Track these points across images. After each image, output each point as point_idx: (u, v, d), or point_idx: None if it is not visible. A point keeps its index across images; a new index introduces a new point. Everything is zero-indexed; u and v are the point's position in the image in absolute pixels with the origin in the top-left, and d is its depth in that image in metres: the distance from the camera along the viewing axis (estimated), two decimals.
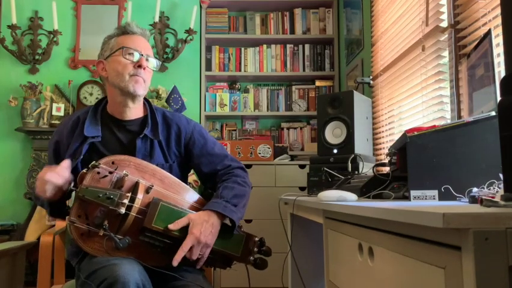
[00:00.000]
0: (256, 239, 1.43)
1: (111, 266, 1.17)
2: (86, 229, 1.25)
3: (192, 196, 1.42)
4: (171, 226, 1.28)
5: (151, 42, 3.79)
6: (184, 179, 1.53)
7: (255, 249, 1.42)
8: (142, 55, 1.44)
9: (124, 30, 1.48)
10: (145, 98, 1.56)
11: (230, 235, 1.39)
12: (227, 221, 1.39)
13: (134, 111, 1.49)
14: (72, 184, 1.30)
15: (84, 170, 1.30)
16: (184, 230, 1.30)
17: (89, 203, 1.25)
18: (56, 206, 1.39)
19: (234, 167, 1.52)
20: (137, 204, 1.27)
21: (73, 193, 1.40)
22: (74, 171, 1.35)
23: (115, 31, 1.50)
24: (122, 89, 1.43)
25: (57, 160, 1.45)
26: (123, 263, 1.19)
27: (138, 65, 1.42)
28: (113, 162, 1.32)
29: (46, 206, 1.40)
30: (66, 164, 1.29)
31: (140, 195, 1.28)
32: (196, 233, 1.28)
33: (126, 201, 1.25)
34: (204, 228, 1.30)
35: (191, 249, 1.29)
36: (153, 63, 1.49)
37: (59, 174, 1.26)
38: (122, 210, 1.23)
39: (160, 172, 1.38)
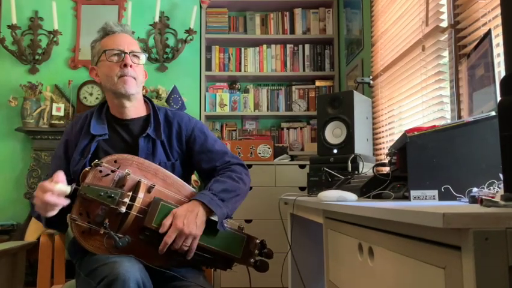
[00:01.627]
0: (258, 241, 1.42)
1: (111, 263, 1.17)
2: (87, 227, 1.25)
3: (193, 195, 1.42)
4: (161, 230, 1.27)
5: (150, 42, 3.77)
6: (187, 178, 1.53)
7: (256, 251, 1.41)
8: (125, 53, 1.43)
9: (105, 32, 1.49)
10: (147, 97, 1.57)
11: (231, 236, 1.38)
12: (215, 218, 1.36)
13: (134, 110, 1.50)
14: (73, 186, 1.28)
15: (86, 168, 1.31)
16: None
17: (90, 201, 1.25)
18: (54, 217, 1.31)
19: (232, 163, 1.51)
20: (138, 203, 1.27)
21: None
22: (83, 169, 1.34)
23: (97, 34, 1.50)
24: (114, 92, 1.44)
25: (67, 160, 1.47)
26: (123, 260, 1.19)
27: (123, 64, 1.42)
28: (115, 161, 1.33)
29: (42, 217, 1.34)
30: (60, 178, 1.23)
31: (141, 195, 1.28)
32: (179, 224, 1.26)
33: (127, 200, 1.25)
34: (187, 220, 1.27)
35: (175, 240, 1.27)
36: (140, 57, 1.48)
37: (56, 194, 1.20)
38: (123, 209, 1.24)
39: (162, 171, 1.38)
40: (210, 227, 1.34)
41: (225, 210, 1.36)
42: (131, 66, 1.42)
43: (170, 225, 1.27)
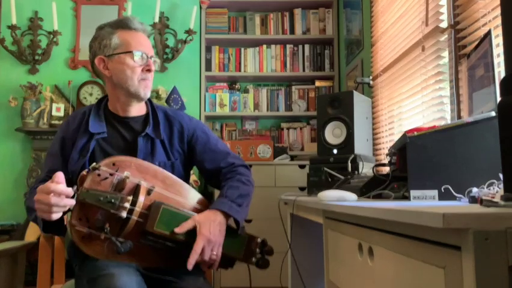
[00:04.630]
0: (259, 240, 1.42)
1: (110, 276, 1.16)
2: (87, 232, 1.23)
3: (193, 196, 1.41)
4: (177, 230, 1.26)
5: (151, 42, 3.76)
6: (186, 177, 1.53)
7: (257, 250, 1.41)
8: (149, 57, 1.42)
9: (122, 25, 1.43)
10: None
11: (233, 236, 1.38)
12: (231, 222, 1.39)
13: (138, 108, 1.49)
14: (75, 187, 1.23)
15: (84, 172, 1.27)
16: (188, 233, 1.29)
17: (89, 206, 1.22)
18: (51, 222, 1.24)
19: (237, 165, 1.51)
20: (138, 207, 1.25)
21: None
22: (82, 169, 1.33)
23: (113, 24, 1.44)
24: (131, 93, 1.42)
25: (64, 157, 1.44)
26: (122, 274, 1.17)
27: (147, 69, 1.42)
28: (114, 164, 1.30)
29: (40, 223, 1.29)
30: (61, 179, 1.16)
31: (141, 198, 1.26)
32: (206, 233, 1.27)
33: (127, 204, 1.22)
34: (212, 228, 1.29)
35: (202, 250, 1.27)
36: (157, 63, 1.48)
37: (61, 193, 1.14)
38: (124, 214, 1.21)
39: (162, 173, 1.37)
40: None
41: (243, 214, 1.40)
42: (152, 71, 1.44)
43: (189, 233, 1.28)
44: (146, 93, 1.43)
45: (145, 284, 1.23)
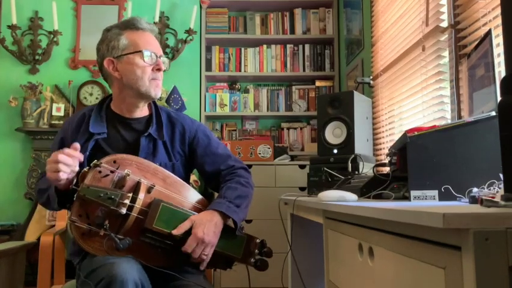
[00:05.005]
0: (258, 240, 1.43)
1: (109, 264, 1.17)
2: (87, 229, 1.24)
3: (193, 196, 1.42)
4: (175, 232, 1.28)
5: None
6: (186, 178, 1.53)
7: (256, 251, 1.42)
8: (158, 56, 1.42)
9: (131, 26, 1.43)
10: None
11: (231, 236, 1.39)
12: (230, 222, 1.39)
13: (143, 109, 1.49)
14: (74, 181, 1.28)
15: (85, 169, 1.29)
16: (186, 232, 1.30)
17: (90, 203, 1.24)
18: (63, 196, 1.32)
19: (237, 168, 1.52)
20: (138, 204, 1.26)
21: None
22: (79, 167, 1.34)
23: (120, 25, 1.44)
24: (141, 93, 1.41)
25: None
26: (121, 261, 1.18)
27: (157, 69, 1.41)
28: (114, 161, 1.31)
29: (53, 197, 1.32)
30: (76, 146, 1.25)
31: (141, 195, 1.27)
32: (199, 233, 1.28)
33: (127, 201, 1.24)
34: (206, 229, 1.30)
35: (194, 249, 1.29)
36: (166, 62, 1.47)
37: (70, 155, 1.23)
38: (123, 210, 1.23)
39: (162, 171, 1.38)
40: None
41: (241, 215, 1.40)
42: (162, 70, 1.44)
43: (187, 231, 1.29)
44: (157, 93, 1.43)
45: (144, 272, 1.23)
